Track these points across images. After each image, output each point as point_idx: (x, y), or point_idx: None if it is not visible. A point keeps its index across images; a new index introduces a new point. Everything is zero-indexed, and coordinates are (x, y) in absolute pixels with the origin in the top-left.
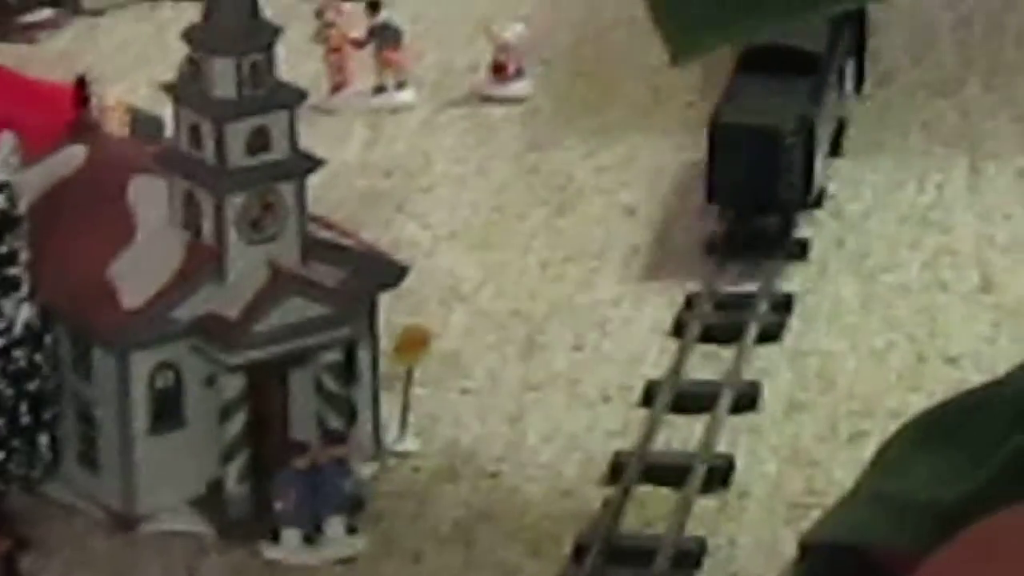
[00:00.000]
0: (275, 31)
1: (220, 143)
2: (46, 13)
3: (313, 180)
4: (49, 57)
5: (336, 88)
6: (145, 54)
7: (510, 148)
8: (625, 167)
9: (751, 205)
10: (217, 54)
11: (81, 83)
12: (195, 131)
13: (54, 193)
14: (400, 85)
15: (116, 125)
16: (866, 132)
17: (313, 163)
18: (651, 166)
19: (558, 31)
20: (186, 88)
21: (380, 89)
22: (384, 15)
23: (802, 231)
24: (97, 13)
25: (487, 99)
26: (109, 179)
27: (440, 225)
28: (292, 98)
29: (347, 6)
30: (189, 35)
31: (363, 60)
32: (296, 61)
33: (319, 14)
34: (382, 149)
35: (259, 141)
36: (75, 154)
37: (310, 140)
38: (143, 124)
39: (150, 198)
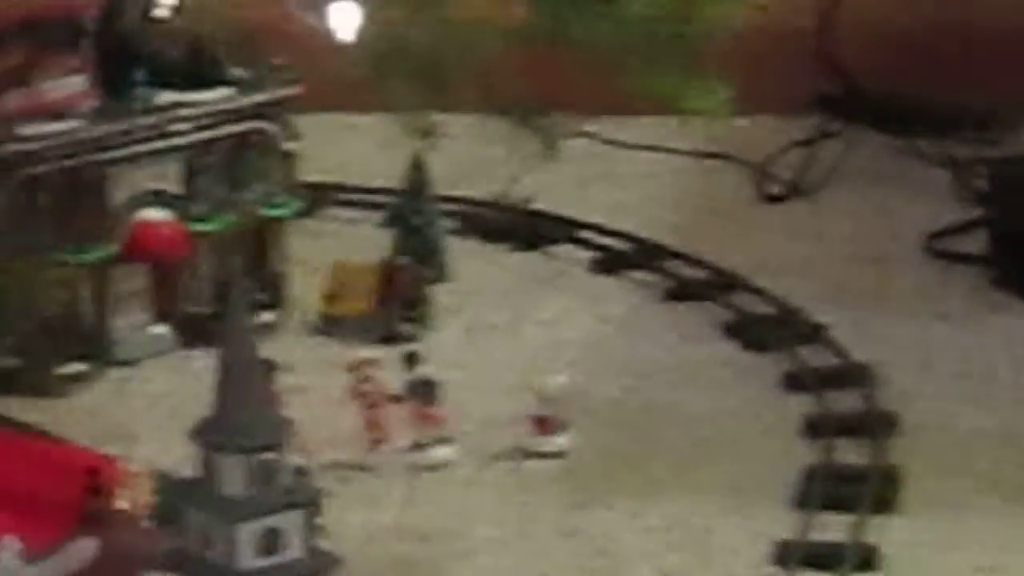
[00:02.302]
0: (287, 425)
1: (230, 545)
2: (77, 366)
3: (349, 546)
4: (79, 412)
5: (374, 444)
6: (179, 408)
7: (552, 508)
8: (673, 529)
9: None
10: (225, 451)
11: (93, 472)
12: (204, 532)
13: None
14: (440, 441)
15: (141, 494)
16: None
17: (330, 562)
18: (698, 526)
19: (602, 379)
20: (195, 487)
21: (419, 445)
22: (421, 369)
23: None
24: (130, 363)
25: (530, 454)
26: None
27: None
28: (306, 497)
29: (382, 360)
30: (197, 431)
31: (403, 416)
32: (334, 415)
33: (353, 368)
34: (420, 510)
35: (272, 543)
36: (85, 548)
37: (346, 500)
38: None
39: None
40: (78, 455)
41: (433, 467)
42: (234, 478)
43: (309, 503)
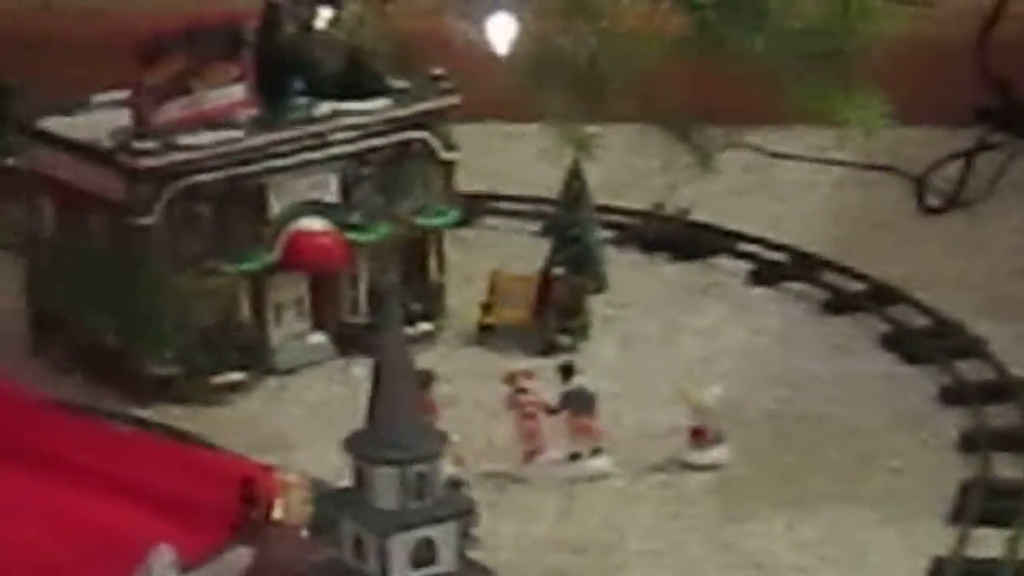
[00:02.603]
0: (441, 437)
1: (384, 556)
2: (237, 375)
3: (501, 557)
4: (237, 420)
5: (530, 456)
6: (336, 417)
7: (707, 521)
8: (826, 542)
9: None
10: (379, 463)
11: (248, 482)
12: (358, 542)
13: None
14: (595, 452)
15: (296, 504)
16: None
17: (482, 574)
18: (854, 540)
19: (757, 390)
20: (348, 498)
21: (575, 457)
22: (577, 380)
23: None
24: (289, 372)
25: (686, 466)
26: None
27: None
28: (459, 509)
29: (537, 372)
30: (351, 443)
31: (558, 427)
32: (489, 426)
33: (509, 379)
34: (576, 522)
35: (425, 554)
36: (240, 557)
37: (502, 511)
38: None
39: None
40: (234, 464)
41: (588, 479)
42: (387, 490)
43: (462, 515)
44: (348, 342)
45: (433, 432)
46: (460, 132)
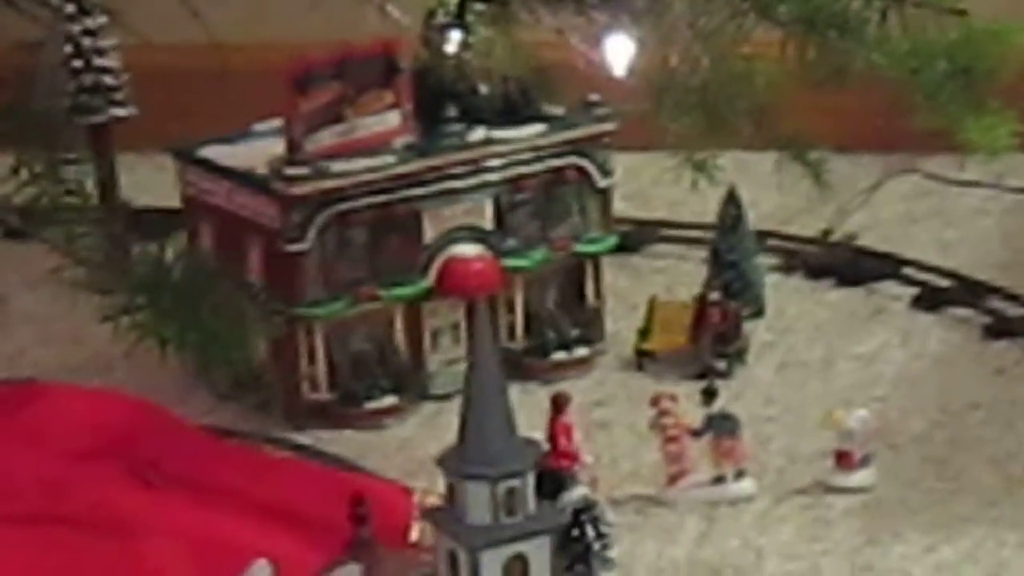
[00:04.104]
0: (535, 451)
1: (476, 572)
2: (391, 400)
3: None
4: (391, 445)
5: (674, 479)
6: None
7: (847, 543)
8: (965, 563)
9: None
10: (470, 479)
11: (357, 502)
12: (452, 558)
13: None
14: (739, 475)
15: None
16: None
17: None
18: (993, 562)
19: (911, 415)
20: (443, 514)
21: (719, 479)
22: (720, 403)
23: None
24: (444, 398)
25: (829, 489)
26: None
27: None
28: (551, 524)
29: (683, 395)
30: (443, 459)
31: (703, 450)
32: (639, 449)
33: (654, 402)
34: (714, 544)
35: (517, 570)
36: (349, 574)
37: (642, 533)
38: None
39: None
40: (368, 486)
41: (731, 501)
42: (478, 505)
43: (555, 530)
44: (505, 368)
45: (525, 448)
46: (634, 160)
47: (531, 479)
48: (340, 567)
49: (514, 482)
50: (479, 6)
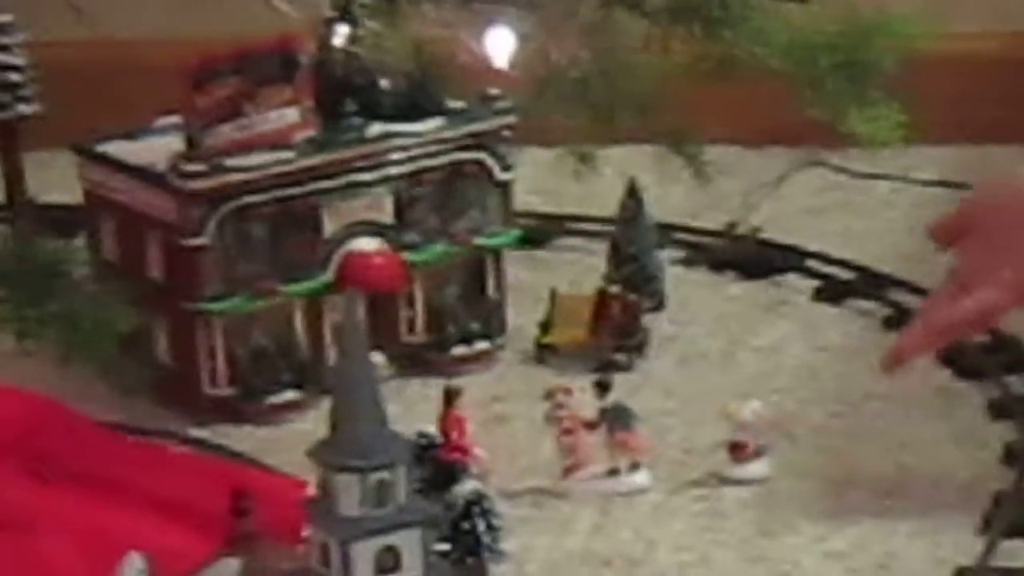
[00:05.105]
0: (406, 445)
1: (346, 564)
2: (292, 394)
3: (531, 570)
4: (292, 439)
5: (569, 471)
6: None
7: (738, 534)
8: (855, 553)
9: None
10: (341, 471)
11: (240, 495)
12: (324, 550)
13: None
14: (634, 467)
15: None
16: None
17: None
18: (882, 551)
19: (809, 406)
20: (315, 506)
21: (613, 472)
22: (619, 397)
23: None
24: None
25: (724, 480)
26: None
27: None
28: (422, 516)
29: (577, 388)
30: (314, 451)
31: (600, 442)
32: (537, 443)
33: (549, 395)
34: (608, 536)
35: (388, 561)
36: (229, 568)
37: (537, 525)
38: None
39: None
40: (261, 479)
41: (626, 494)
42: (349, 497)
43: (426, 522)
44: (407, 362)
45: (396, 439)
46: (544, 155)
47: (403, 471)
48: (217, 562)
49: (385, 474)
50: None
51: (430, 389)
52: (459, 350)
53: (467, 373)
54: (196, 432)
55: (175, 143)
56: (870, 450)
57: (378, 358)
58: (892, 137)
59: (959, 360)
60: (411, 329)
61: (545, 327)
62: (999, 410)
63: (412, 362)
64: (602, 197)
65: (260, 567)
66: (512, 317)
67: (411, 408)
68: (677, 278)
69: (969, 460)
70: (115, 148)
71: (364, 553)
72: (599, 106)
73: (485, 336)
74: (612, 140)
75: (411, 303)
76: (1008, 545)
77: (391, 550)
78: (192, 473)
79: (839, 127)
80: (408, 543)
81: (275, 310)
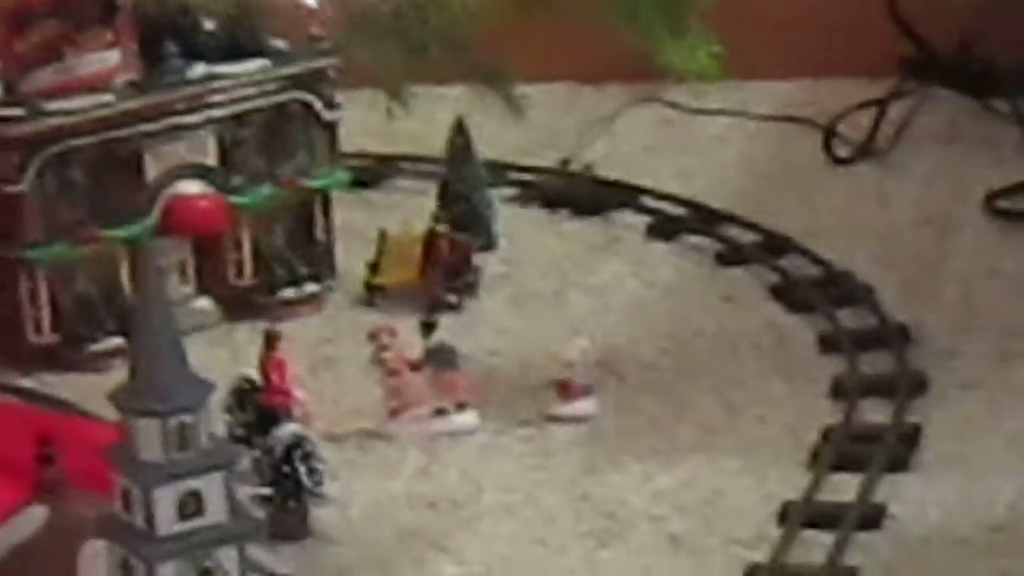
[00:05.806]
0: (208, 388)
1: (149, 509)
2: (116, 341)
3: (354, 513)
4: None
5: (394, 413)
6: (221, 381)
7: (565, 473)
8: (682, 490)
9: None
10: (141, 415)
11: (45, 442)
12: (126, 495)
13: (10, 561)
14: (460, 407)
15: None
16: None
17: (254, 526)
18: (709, 488)
19: (639, 344)
20: (117, 452)
21: (440, 412)
22: (448, 337)
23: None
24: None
25: (551, 419)
26: (64, 545)
27: (475, 562)
28: (224, 459)
29: (402, 328)
30: (113, 396)
31: (425, 383)
32: (365, 385)
33: (372, 337)
34: (433, 478)
35: (191, 505)
36: (35, 516)
37: (362, 468)
38: None
39: (97, 566)
40: (82, 426)
41: (453, 434)
42: (150, 442)
43: (228, 465)
44: (234, 306)
45: (197, 383)
46: (376, 95)
47: (205, 414)
48: (26, 509)
49: (186, 417)
50: None
51: (258, 333)
52: (288, 293)
53: (296, 316)
54: (22, 381)
55: None
56: (698, 387)
57: (205, 303)
58: (709, 70)
59: (789, 294)
60: (239, 273)
61: (374, 268)
62: (829, 344)
63: (240, 306)
64: (436, 138)
65: (65, 515)
66: (343, 259)
67: (239, 352)
68: (511, 217)
69: (798, 395)
70: None
71: (166, 498)
72: (413, 42)
73: (314, 279)
74: (438, 80)
75: (238, 247)
76: (835, 479)
77: (194, 494)
78: (3, 421)
79: (656, 60)
80: (211, 487)
81: (99, 256)
